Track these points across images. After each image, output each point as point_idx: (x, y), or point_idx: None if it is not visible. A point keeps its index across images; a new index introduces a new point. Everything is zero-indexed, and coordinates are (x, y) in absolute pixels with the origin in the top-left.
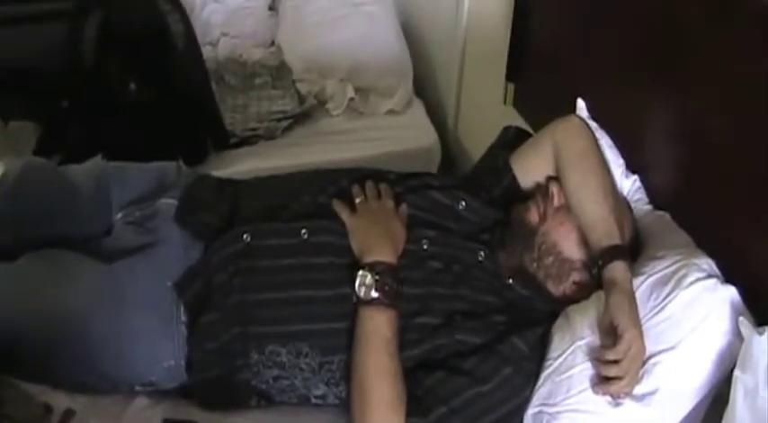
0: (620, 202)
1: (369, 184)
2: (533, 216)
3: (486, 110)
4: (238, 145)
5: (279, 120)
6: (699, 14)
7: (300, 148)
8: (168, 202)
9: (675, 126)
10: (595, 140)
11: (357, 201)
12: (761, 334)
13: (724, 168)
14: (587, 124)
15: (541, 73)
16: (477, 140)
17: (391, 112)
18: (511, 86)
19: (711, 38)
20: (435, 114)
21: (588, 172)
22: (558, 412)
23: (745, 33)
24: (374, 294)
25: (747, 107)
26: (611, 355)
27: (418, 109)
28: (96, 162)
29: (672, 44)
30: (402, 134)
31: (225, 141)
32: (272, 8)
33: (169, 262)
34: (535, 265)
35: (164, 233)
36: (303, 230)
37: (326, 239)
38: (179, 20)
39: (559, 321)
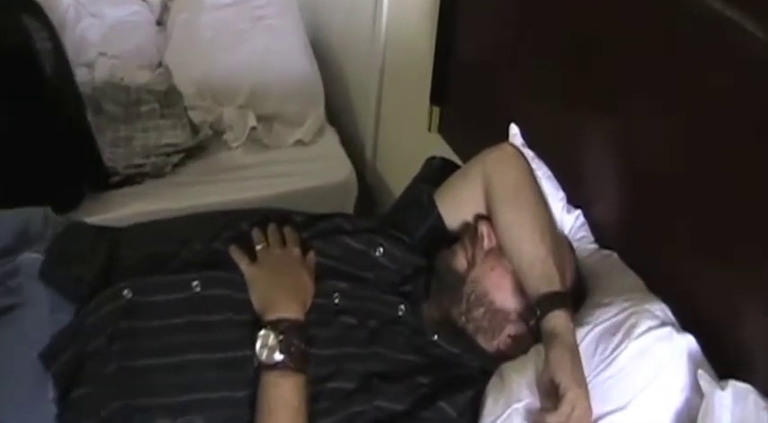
0: (560, 242)
1: (271, 228)
2: (460, 262)
3: (409, 138)
4: (120, 185)
5: (168, 154)
6: (645, 32)
7: (194, 188)
8: (32, 257)
9: (622, 154)
10: (531, 171)
11: (258, 247)
12: (723, 388)
13: (677, 200)
14: (522, 153)
15: (470, 95)
16: (399, 173)
17: (300, 142)
18: (436, 110)
19: (659, 57)
20: (351, 144)
21: (523, 208)
22: None
23: (697, 53)
24: (278, 357)
25: (700, 134)
26: (552, 419)
27: (331, 138)
28: None
29: (615, 63)
30: (313, 168)
31: (104, 181)
32: (159, 23)
33: (34, 328)
34: (464, 318)
35: (27, 293)
36: (194, 283)
37: (222, 293)
38: (47, 38)
39: (493, 381)
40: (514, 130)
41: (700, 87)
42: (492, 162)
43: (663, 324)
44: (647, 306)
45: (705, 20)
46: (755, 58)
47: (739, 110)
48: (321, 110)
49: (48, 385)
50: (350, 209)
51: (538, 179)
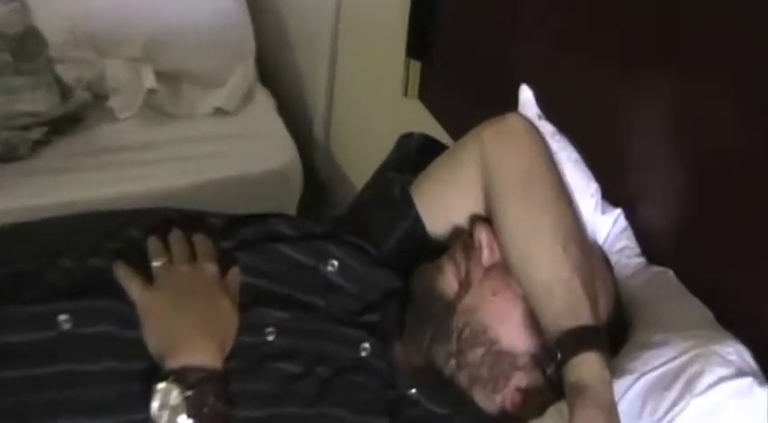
0: (591, 255)
1: (176, 237)
2: (449, 282)
3: (376, 106)
4: None
5: (26, 127)
6: None
7: (63, 177)
8: None
9: (685, 130)
10: (549, 154)
11: (155, 264)
12: None
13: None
14: (535, 128)
15: (463, 46)
16: (361, 156)
17: (220, 112)
18: (415, 68)
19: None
20: (294, 116)
21: (537, 207)
22: None
23: None
24: (184, 422)
25: None
26: None
27: (265, 107)
28: None
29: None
30: (239, 149)
31: None
32: None
33: None
34: (454, 362)
35: None
36: (62, 317)
37: (102, 331)
38: None
39: None
40: (527, 93)
41: None
42: (493, 140)
43: (740, 373)
44: (718, 347)
45: None
46: None
47: None
48: (250, 65)
49: None
50: (292, 207)
51: (559, 165)
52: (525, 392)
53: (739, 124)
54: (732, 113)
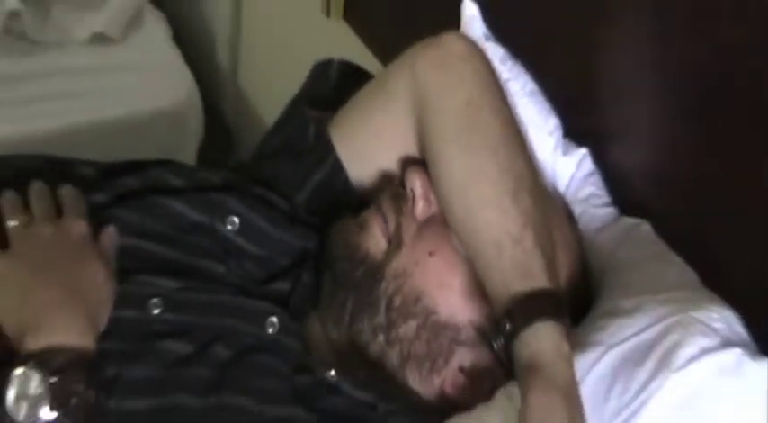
0: (549, 205)
1: (36, 190)
2: (375, 241)
3: (292, 29)
4: None
5: None
6: None
7: None
8: None
9: (664, 50)
10: (497, 82)
11: (10, 224)
12: None
13: (760, 137)
14: (480, 51)
15: None
16: (273, 90)
17: (100, 38)
18: None
19: None
20: (193, 43)
21: (482, 147)
22: None
23: None
24: (46, 416)
25: None
26: None
27: (156, 32)
28: None
29: None
30: (124, 84)
31: None
32: None
33: None
34: (382, 338)
35: None
36: None
37: None
38: None
39: None
40: (471, 9)
41: None
42: (428, 69)
43: (727, 344)
44: (700, 314)
45: None
46: None
47: None
48: None
49: None
50: (191, 154)
51: (510, 97)
52: (469, 373)
53: (738, 41)
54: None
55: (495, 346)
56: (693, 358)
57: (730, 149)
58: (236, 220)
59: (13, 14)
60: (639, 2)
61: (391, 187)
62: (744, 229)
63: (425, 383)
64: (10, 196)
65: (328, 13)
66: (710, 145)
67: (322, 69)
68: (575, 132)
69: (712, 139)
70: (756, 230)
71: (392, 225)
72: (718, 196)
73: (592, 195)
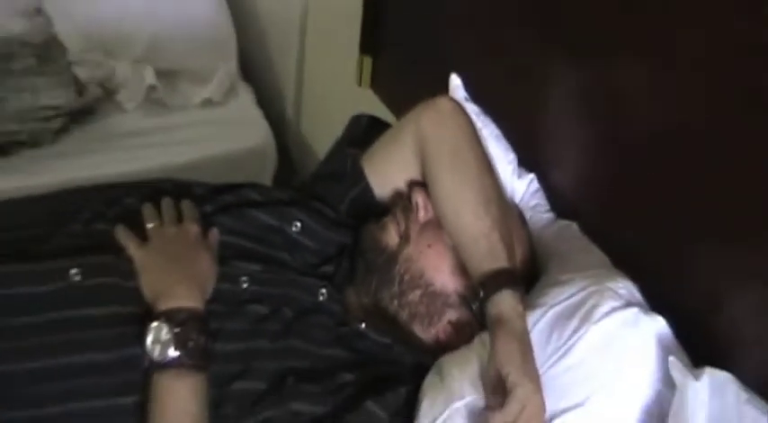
0: (508, 212)
1: (166, 203)
2: (391, 237)
3: (337, 94)
4: None
5: (48, 119)
6: None
7: (80, 159)
8: None
9: (585, 108)
10: (474, 130)
11: (149, 226)
12: (698, 378)
13: (648, 162)
14: (462, 108)
15: (406, 43)
16: (324, 136)
17: (208, 102)
18: (367, 61)
19: None
20: (269, 104)
21: (464, 173)
22: None
23: None
24: (172, 354)
25: (677, 83)
26: (499, 419)
27: (245, 97)
28: None
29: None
30: (224, 132)
31: None
32: None
33: None
34: (396, 302)
35: None
36: (73, 270)
37: (106, 282)
38: None
39: (430, 377)
40: (456, 81)
41: (679, 39)
42: (427, 120)
43: (629, 305)
44: (611, 284)
45: None
46: None
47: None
48: (233, 63)
49: None
50: (268, 180)
51: (483, 139)
52: (455, 325)
53: (632, 101)
54: (628, 90)
55: (473, 307)
56: (606, 314)
57: (630, 175)
58: (299, 223)
59: (151, 87)
60: (566, 88)
61: (402, 201)
62: (638, 228)
63: (426, 333)
64: (148, 207)
65: (360, 83)
66: (616, 172)
67: (356, 120)
68: (525, 163)
69: (617, 169)
70: (647, 229)
71: (403, 226)
72: (622, 207)
73: (537, 205)
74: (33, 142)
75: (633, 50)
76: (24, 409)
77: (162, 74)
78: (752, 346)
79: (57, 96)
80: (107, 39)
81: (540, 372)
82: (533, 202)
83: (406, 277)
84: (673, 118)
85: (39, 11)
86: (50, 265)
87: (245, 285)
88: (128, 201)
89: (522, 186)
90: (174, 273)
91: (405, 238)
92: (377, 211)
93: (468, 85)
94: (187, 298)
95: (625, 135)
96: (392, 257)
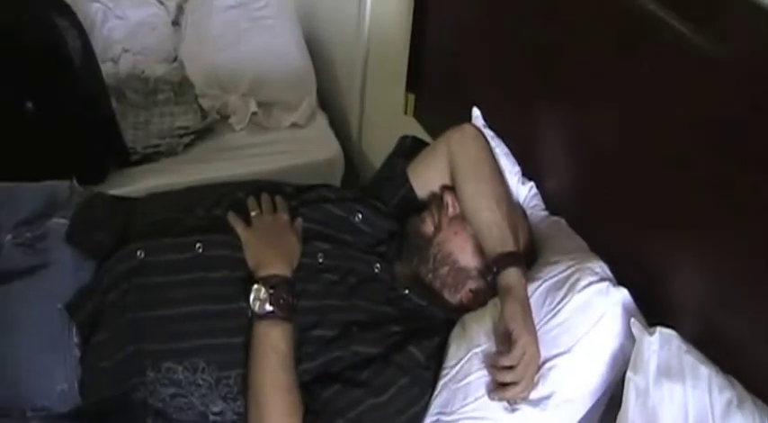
0: (514, 209)
1: (264, 197)
2: (428, 227)
3: (388, 121)
4: (139, 162)
5: (181, 136)
6: (593, 32)
7: (203, 164)
8: (59, 222)
9: (569, 135)
10: (489, 149)
11: (252, 214)
12: (651, 334)
13: (616, 174)
14: (481, 133)
15: (440, 83)
16: (380, 151)
17: (294, 125)
18: (411, 97)
19: (604, 55)
20: (339, 127)
21: (482, 180)
22: (456, 420)
23: (635, 49)
24: (269, 308)
25: (633, 117)
26: (505, 361)
27: (322, 122)
28: None
29: (563, 59)
30: (305, 147)
31: (125, 159)
32: (175, 23)
33: (59, 283)
34: (431, 275)
35: (54, 254)
36: (197, 244)
37: (221, 253)
38: (76, 36)
39: (456, 330)
40: (476, 112)
41: (638, 81)
42: (455, 141)
43: (602, 279)
44: (589, 264)
45: (635, 19)
46: (682, 53)
47: (669, 101)
48: (313, 96)
49: (72, 331)
50: (337, 182)
51: (496, 155)
52: (474, 292)
53: (601, 133)
54: (598, 125)
55: (488, 279)
56: (585, 286)
57: (601, 184)
58: (360, 215)
59: (254, 114)
60: (557, 119)
61: (436, 200)
62: (608, 222)
63: (453, 297)
64: (252, 200)
65: (405, 113)
66: (591, 182)
67: (403, 140)
68: (526, 174)
69: (593, 180)
70: (614, 223)
71: (436, 219)
72: (596, 207)
73: (536, 205)
74: (170, 153)
75: (605, 95)
76: (166, 343)
77: (261, 104)
78: (690, 310)
79: (187, 120)
80: (223, 79)
81: (537, 328)
82: (533, 203)
83: (438, 257)
84: (631, 143)
85: (175, 58)
86: (182, 240)
87: (320, 259)
88: (237, 195)
89: (524, 191)
90: (270, 249)
91: (438, 228)
92: (417, 207)
93: (485, 116)
94: (279, 267)
95: (598, 156)
96: (428, 242)
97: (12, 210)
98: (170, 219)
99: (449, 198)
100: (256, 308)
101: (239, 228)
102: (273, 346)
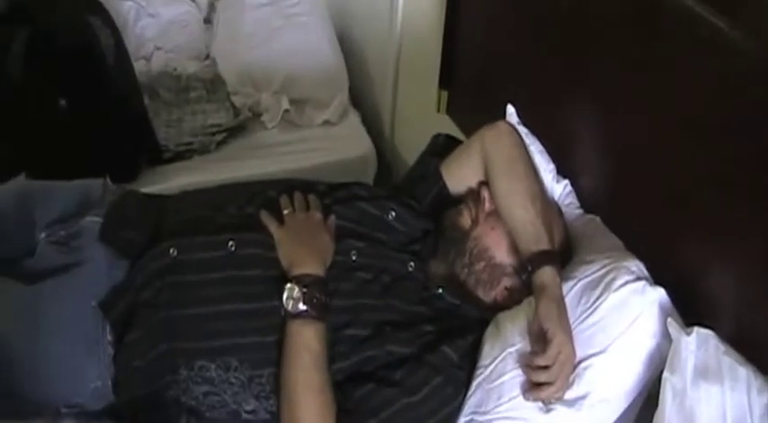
0: (549, 207)
1: (297, 196)
2: (465, 220)
3: (421, 118)
4: (172, 160)
5: (213, 133)
6: (624, 29)
7: (235, 162)
8: (93, 220)
9: (605, 133)
10: (524, 146)
11: (285, 212)
12: (688, 334)
13: (651, 172)
14: (516, 130)
15: (473, 80)
16: (412, 148)
17: (327, 122)
18: (444, 94)
19: (637, 53)
20: (372, 124)
21: (516, 178)
22: (490, 420)
23: (671, 47)
24: (302, 307)
25: (667, 115)
26: (540, 361)
27: (354, 119)
28: (19, 181)
29: (594, 56)
30: (337, 145)
31: (158, 156)
32: (207, 21)
33: (93, 281)
34: (466, 270)
35: (88, 252)
36: (230, 243)
37: (254, 252)
38: (109, 35)
39: (490, 329)
40: (510, 110)
41: (671, 78)
42: (489, 138)
43: (638, 279)
44: (625, 263)
45: (679, 18)
46: (721, 51)
47: (703, 99)
48: (345, 94)
49: (106, 329)
50: (370, 180)
51: (530, 153)
52: (510, 290)
53: (637, 130)
54: (635, 122)
55: (523, 277)
56: (621, 285)
57: (636, 182)
58: (394, 213)
59: (286, 111)
60: (591, 118)
61: (472, 195)
62: (643, 221)
63: (487, 295)
64: (284, 198)
65: (438, 110)
66: (626, 180)
67: (436, 137)
68: (561, 172)
69: (627, 177)
70: (649, 222)
71: (473, 213)
72: (630, 205)
73: (571, 203)
74: (202, 150)
75: (638, 93)
76: (198, 341)
77: (294, 101)
78: (727, 310)
79: (219, 117)
80: (255, 76)
81: (572, 327)
82: (567, 201)
83: (475, 251)
84: (665, 141)
85: (207, 56)
86: (215, 238)
87: (354, 258)
88: (269, 193)
89: (559, 189)
90: (303, 247)
91: (475, 222)
92: (451, 204)
93: (519, 113)
94: (312, 266)
95: (631, 154)
96: (465, 235)
97: (46, 208)
98: (202, 217)
99: (485, 193)
100: (289, 307)
101: (272, 226)
102: (306, 346)
